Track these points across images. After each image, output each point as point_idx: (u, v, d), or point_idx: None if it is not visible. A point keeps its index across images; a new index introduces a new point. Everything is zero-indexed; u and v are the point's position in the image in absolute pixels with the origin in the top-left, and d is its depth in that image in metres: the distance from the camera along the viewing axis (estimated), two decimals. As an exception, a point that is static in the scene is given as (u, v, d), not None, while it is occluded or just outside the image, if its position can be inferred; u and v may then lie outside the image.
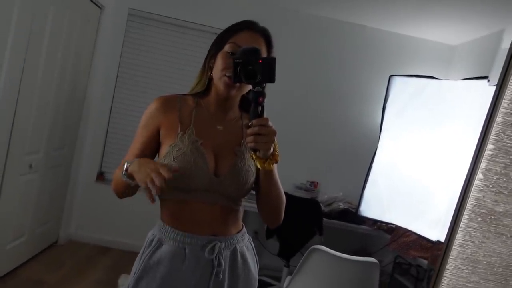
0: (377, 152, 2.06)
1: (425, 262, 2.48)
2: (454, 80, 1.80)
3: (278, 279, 3.29)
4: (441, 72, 3.46)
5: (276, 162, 0.98)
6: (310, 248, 1.84)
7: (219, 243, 1.07)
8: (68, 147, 3.31)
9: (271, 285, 3.25)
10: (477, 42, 3.35)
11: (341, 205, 3.29)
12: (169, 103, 1.12)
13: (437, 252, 2.46)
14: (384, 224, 2.97)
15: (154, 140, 1.12)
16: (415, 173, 1.85)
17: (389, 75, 2.03)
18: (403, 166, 1.91)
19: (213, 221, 1.09)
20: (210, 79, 1.12)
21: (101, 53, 3.47)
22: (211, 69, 1.11)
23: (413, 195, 1.82)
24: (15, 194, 2.62)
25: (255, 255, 1.21)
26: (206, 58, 1.14)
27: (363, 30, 3.65)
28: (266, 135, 0.92)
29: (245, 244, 1.17)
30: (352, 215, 3.22)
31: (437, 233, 1.67)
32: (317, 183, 3.60)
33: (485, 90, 1.60)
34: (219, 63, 1.07)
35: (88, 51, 3.36)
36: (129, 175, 1.01)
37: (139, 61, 3.55)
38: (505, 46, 2.46)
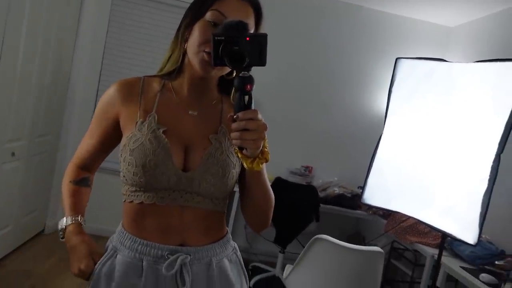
0: (382, 138, 1.99)
1: (422, 247, 2.47)
2: (466, 62, 1.74)
3: (273, 265, 3.27)
4: (437, 54, 3.42)
5: (267, 161, 0.80)
6: (313, 238, 1.79)
7: (184, 256, 0.87)
8: (52, 133, 3.17)
9: (266, 271, 3.22)
10: (474, 24, 3.30)
11: (336, 190, 3.27)
12: (129, 88, 0.93)
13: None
14: (379, 210, 2.96)
15: (111, 133, 0.94)
16: (423, 160, 1.79)
17: (395, 57, 1.95)
18: (410, 152, 1.85)
19: (182, 228, 0.89)
20: (184, 53, 0.91)
21: (86, 33, 3.28)
22: (186, 41, 0.90)
23: (421, 183, 1.77)
24: (-2, 183, 2.49)
25: (242, 268, 1.00)
26: (179, 28, 0.92)
27: (360, 10, 3.56)
28: (254, 131, 0.74)
29: (228, 255, 0.96)
30: (347, 200, 3.21)
31: (447, 222, 1.64)
32: (312, 167, 3.56)
33: (500, 73, 1.54)
34: (196, 35, 0.86)
35: (72, 31, 3.17)
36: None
37: (126, 41, 3.38)
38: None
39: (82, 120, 3.37)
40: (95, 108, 3.82)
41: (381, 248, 1.84)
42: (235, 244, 1.02)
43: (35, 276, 2.62)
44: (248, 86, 0.75)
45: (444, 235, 1.81)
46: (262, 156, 0.79)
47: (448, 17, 3.42)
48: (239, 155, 0.79)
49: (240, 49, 0.74)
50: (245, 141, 0.75)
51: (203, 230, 0.92)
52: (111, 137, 0.95)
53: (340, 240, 1.80)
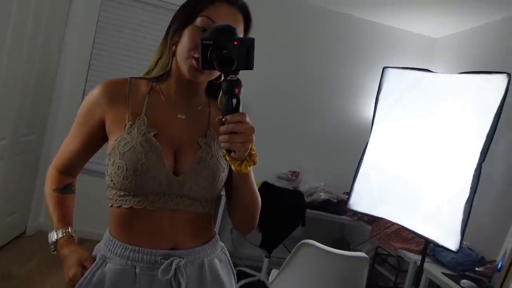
0: (368, 145, 2.02)
1: (405, 253, 2.52)
2: (450, 74, 1.79)
3: (258, 269, 3.27)
4: (423, 64, 3.50)
5: (254, 163, 0.81)
6: (299, 243, 1.80)
7: (178, 259, 0.87)
8: (37, 133, 3.11)
9: (252, 275, 3.22)
10: (458, 36, 3.39)
11: (323, 196, 3.29)
12: (115, 89, 0.91)
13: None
14: (365, 216, 2.99)
15: (95, 134, 0.92)
16: (408, 167, 1.83)
17: (382, 66, 2.00)
18: (396, 160, 1.89)
19: (173, 231, 0.88)
20: (172, 56, 0.91)
21: (73, 33, 3.24)
22: (175, 45, 0.90)
23: (406, 190, 1.81)
24: (-21, 183, 2.43)
25: (231, 267, 1.02)
26: (168, 32, 0.91)
27: (349, 19, 3.62)
28: (243, 134, 0.75)
29: (218, 255, 0.98)
30: (333, 205, 3.23)
31: (430, 229, 1.67)
32: (299, 173, 3.58)
33: (482, 85, 1.60)
34: (186, 40, 0.86)
35: (59, 31, 3.13)
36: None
37: (114, 42, 3.35)
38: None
39: (67, 121, 3.30)
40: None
41: (365, 253, 1.86)
42: (223, 244, 1.03)
43: (15, 279, 2.55)
44: (236, 90, 0.76)
45: (427, 242, 1.85)
46: (250, 158, 0.80)
47: (433, 29, 3.51)
48: (227, 158, 0.79)
49: (229, 53, 0.75)
50: (233, 144, 0.75)
51: (194, 232, 0.92)
52: (95, 138, 0.93)
53: (325, 245, 1.82)
